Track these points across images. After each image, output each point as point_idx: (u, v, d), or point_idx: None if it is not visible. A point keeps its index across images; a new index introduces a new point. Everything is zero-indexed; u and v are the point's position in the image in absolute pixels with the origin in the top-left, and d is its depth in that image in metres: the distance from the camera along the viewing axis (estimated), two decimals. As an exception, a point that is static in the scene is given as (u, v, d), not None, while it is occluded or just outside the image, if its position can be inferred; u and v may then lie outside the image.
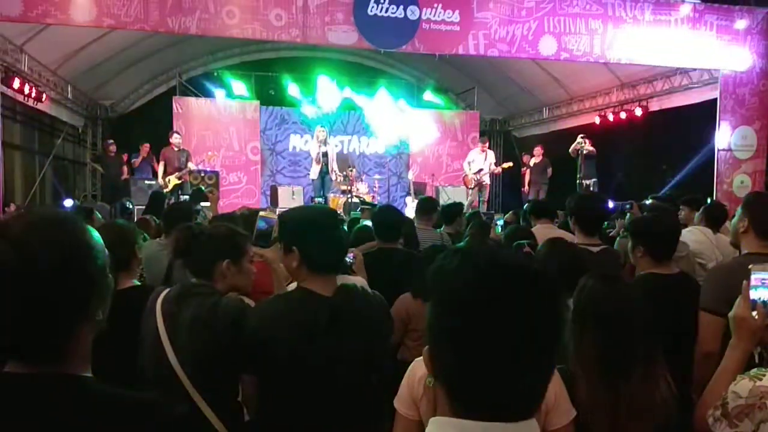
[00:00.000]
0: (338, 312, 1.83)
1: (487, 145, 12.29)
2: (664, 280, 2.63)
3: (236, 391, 2.10)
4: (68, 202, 8.25)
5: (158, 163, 10.48)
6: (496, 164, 12.00)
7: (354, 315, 1.86)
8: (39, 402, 0.95)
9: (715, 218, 4.45)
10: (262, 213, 2.48)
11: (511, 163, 12.14)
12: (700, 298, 2.46)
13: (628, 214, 5.37)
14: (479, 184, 11.73)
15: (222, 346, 1.94)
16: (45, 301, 0.94)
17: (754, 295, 1.68)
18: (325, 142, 10.71)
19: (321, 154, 10.62)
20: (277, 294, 2.23)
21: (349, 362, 1.84)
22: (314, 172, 10.78)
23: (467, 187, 11.87)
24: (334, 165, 10.72)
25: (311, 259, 1.92)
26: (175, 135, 10.44)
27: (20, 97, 9.61)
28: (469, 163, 11.93)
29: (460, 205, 6.14)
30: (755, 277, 1.68)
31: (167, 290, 2.12)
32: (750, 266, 1.70)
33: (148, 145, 11.83)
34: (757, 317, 1.66)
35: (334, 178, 10.74)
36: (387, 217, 3.86)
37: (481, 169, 11.71)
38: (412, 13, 8.33)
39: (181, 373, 1.93)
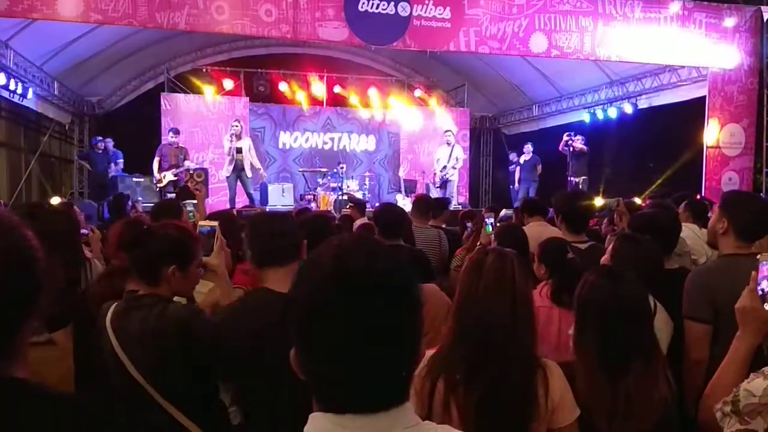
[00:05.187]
0: None
1: (452, 138, 11.50)
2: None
3: (214, 395, 2.04)
4: (55, 200, 8.13)
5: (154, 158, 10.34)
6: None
7: None
8: None
9: (699, 212, 4.49)
10: (201, 222, 2.42)
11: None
12: (682, 305, 2.41)
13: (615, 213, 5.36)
14: (444, 182, 11.22)
15: (177, 354, 1.90)
16: None
17: (762, 286, 1.63)
18: (238, 137, 10.19)
19: (234, 150, 10.11)
20: (238, 298, 2.15)
21: None
22: (227, 169, 10.23)
23: (434, 186, 11.39)
24: (253, 160, 10.28)
25: (257, 252, 1.98)
26: (171, 132, 10.35)
27: (5, 94, 9.49)
28: (437, 160, 11.48)
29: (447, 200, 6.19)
30: (764, 268, 1.64)
31: (115, 304, 2.07)
32: (758, 256, 1.66)
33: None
34: (767, 308, 1.62)
35: (251, 174, 10.26)
36: (388, 215, 3.84)
37: (444, 167, 11.16)
38: (403, 9, 8.30)
39: (145, 384, 1.89)
